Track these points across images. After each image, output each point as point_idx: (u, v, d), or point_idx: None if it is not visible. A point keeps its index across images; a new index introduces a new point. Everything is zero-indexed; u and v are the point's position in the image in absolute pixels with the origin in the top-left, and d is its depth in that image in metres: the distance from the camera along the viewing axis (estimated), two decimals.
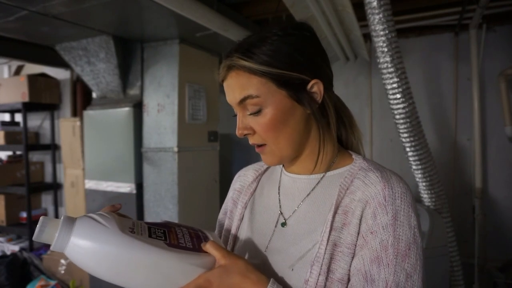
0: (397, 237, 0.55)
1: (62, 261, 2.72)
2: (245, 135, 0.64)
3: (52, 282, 2.60)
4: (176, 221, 2.23)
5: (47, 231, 0.51)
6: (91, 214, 0.54)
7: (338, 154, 0.68)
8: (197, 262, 0.56)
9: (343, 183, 0.62)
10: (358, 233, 0.58)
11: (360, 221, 0.58)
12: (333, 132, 0.66)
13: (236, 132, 0.64)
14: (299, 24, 0.64)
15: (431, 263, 1.72)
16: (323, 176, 0.66)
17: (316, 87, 0.61)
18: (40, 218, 0.51)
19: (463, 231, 2.42)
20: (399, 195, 0.57)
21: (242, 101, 0.61)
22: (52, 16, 1.78)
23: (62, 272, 2.70)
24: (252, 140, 0.65)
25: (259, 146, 0.65)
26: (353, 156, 0.67)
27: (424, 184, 1.88)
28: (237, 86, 0.61)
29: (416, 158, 1.81)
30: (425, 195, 1.92)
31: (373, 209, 0.57)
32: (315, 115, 0.63)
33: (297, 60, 0.60)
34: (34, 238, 0.50)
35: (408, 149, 1.81)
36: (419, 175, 1.87)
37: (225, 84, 0.64)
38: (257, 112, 0.61)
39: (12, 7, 1.65)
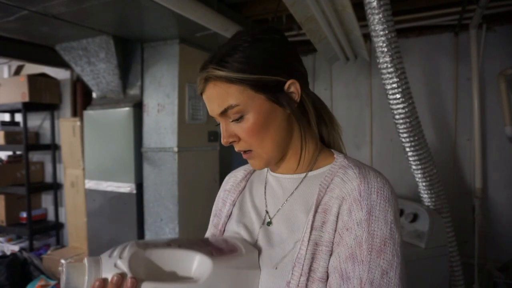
0: (372, 233, 0.54)
1: (62, 261, 2.72)
2: (230, 142, 0.65)
3: (52, 282, 2.60)
4: (176, 221, 2.23)
5: (74, 278, 0.50)
6: (112, 255, 0.54)
7: (320, 153, 0.69)
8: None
9: (323, 182, 0.63)
10: (335, 230, 0.58)
11: (337, 218, 0.58)
12: (314, 129, 0.67)
13: (221, 141, 0.65)
14: (267, 29, 0.64)
15: (431, 263, 1.72)
16: (305, 176, 0.67)
17: (293, 87, 0.63)
18: (64, 265, 0.51)
19: (463, 231, 2.42)
20: (375, 190, 0.57)
21: (224, 112, 0.62)
22: (52, 16, 1.78)
23: None
24: (238, 147, 0.66)
25: (246, 152, 0.66)
26: (335, 155, 0.68)
27: (424, 184, 1.88)
28: (216, 97, 0.62)
29: (416, 158, 1.81)
30: (425, 195, 1.92)
31: (348, 205, 0.58)
32: (295, 113, 0.64)
33: (270, 63, 0.61)
34: (62, 287, 0.50)
35: (408, 149, 1.81)
36: (419, 175, 1.86)
37: (204, 96, 0.64)
38: (239, 119, 0.62)
39: (12, 7, 1.65)
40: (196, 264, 0.56)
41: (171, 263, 0.55)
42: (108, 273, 0.51)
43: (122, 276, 0.51)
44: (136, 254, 0.53)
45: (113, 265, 0.52)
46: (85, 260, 0.52)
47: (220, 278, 0.56)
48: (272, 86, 0.61)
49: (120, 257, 0.52)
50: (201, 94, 0.65)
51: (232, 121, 0.63)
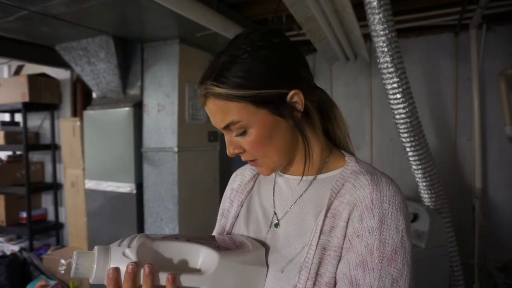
0: (383, 241, 0.54)
1: (62, 261, 2.72)
2: (236, 154, 0.65)
3: (52, 282, 2.60)
4: (176, 221, 2.23)
5: (83, 265, 0.52)
6: (121, 244, 0.55)
7: (331, 155, 0.68)
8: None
9: (334, 186, 0.62)
10: (345, 236, 0.58)
11: (347, 224, 0.58)
12: (320, 134, 0.67)
13: (227, 152, 0.65)
14: (267, 33, 0.62)
15: (431, 263, 1.72)
16: (314, 178, 0.67)
17: (296, 97, 0.61)
18: (74, 252, 0.52)
19: (463, 231, 2.42)
20: (387, 198, 0.57)
21: (226, 127, 0.62)
22: (52, 16, 1.78)
23: (62, 272, 2.70)
24: (244, 158, 0.66)
25: (252, 161, 0.66)
26: (346, 158, 0.67)
27: (424, 184, 1.88)
28: (218, 113, 0.61)
29: (416, 158, 1.81)
30: (425, 195, 1.92)
31: (360, 212, 0.57)
32: (298, 125, 0.63)
33: (272, 76, 0.59)
34: (72, 275, 0.51)
35: (408, 149, 1.81)
36: (419, 175, 1.87)
37: (206, 110, 0.64)
38: (242, 133, 0.61)
39: (12, 7, 1.65)
40: (203, 257, 0.57)
41: (178, 255, 0.56)
42: (117, 262, 0.52)
43: (137, 264, 0.51)
44: (145, 244, 0.54)
45: (122, 253, 0.53)
46: (95, 249, 0.53)
47: (226, 271, 0.57)
48: (274, 99, 0.59)
49: (129, 246, 0.53)
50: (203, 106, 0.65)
51: (236, 135, 0.62)
